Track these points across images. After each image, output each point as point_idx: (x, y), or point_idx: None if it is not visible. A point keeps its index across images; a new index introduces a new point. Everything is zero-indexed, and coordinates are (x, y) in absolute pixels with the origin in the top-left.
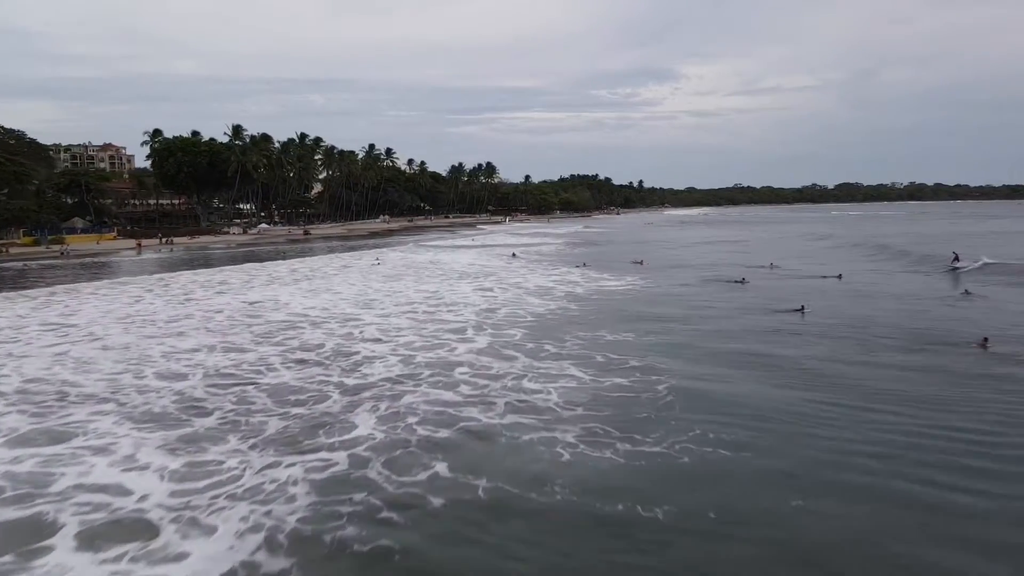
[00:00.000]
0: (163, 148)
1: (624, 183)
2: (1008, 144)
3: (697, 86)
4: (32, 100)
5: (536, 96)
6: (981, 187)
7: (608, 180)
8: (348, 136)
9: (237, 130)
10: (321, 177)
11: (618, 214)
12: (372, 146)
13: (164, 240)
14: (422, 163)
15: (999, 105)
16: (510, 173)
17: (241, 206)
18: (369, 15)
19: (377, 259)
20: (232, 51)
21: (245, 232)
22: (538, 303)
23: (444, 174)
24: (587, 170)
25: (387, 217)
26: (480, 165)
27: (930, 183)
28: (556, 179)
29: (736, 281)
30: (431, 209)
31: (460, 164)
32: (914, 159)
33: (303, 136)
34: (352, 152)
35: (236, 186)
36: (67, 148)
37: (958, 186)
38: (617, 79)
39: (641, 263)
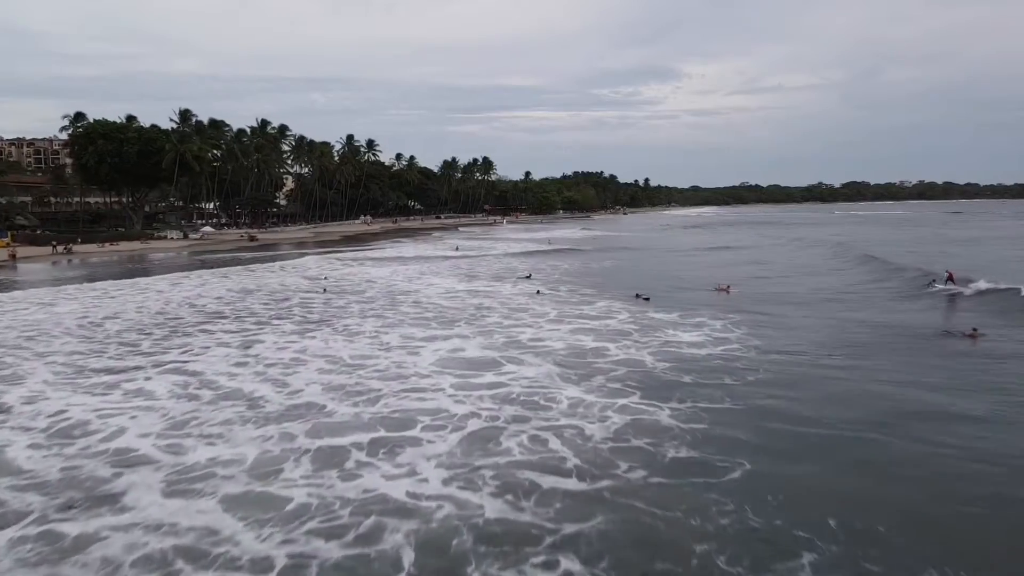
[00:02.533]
0: (83, 135)
1: (629, 181)
2: (1015, 143)
3: (699, 85)
4: (34, 100)
5: (537, 95)
6: (992, 185)
7: (613, 178)
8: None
9: (185, 115)
10: (293, 172)
11: (624, 214)
12: (351, 137)
13: (60, 248)
14: (411, 158)
15: (1003, 103)
16: (511, 172)
17: (204, 205)
18: (370, 14)
19: (326, 278)
20: (233, 50)
21: (185, 237)
22: (579, 397)
23: (436, 170)
24: (589, 169)
25: (368, 218)
26: (475, 160)
27: (938, 181)
28: (559, 176)
29: (962, 333)
30: (422, 208)
31: (453, 159)
32: (919, 158)
33: (264, 123)
34: (326, 144)
35: (175, 181)
36: (31, 142)
37: (968, 184)
38: (619, 78)
39: (726, 291)
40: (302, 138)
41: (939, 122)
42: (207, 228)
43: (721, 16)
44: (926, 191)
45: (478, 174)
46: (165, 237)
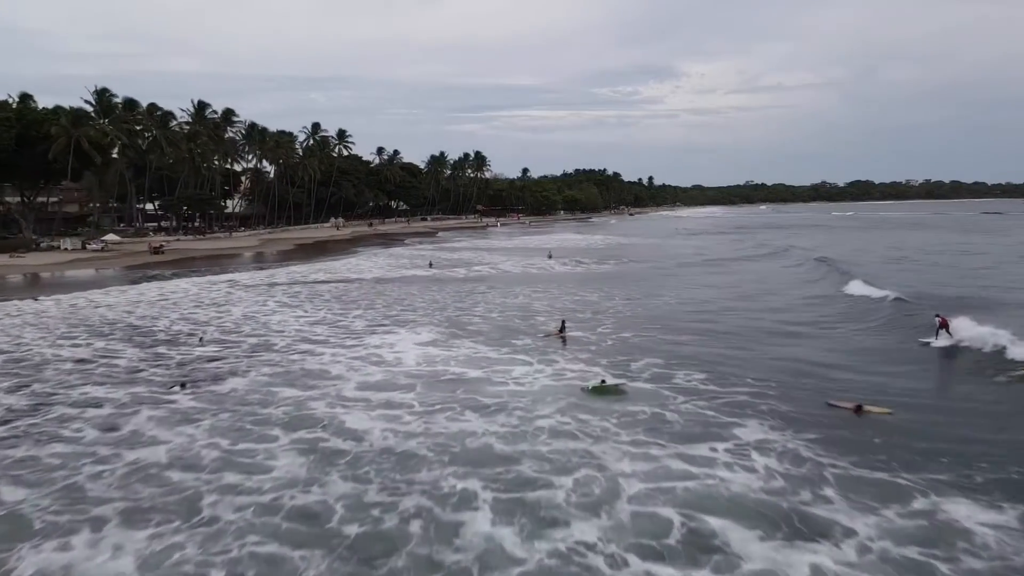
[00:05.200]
0: None
1: (633, 179)
2: (1019, 142)
3: (698, 84)
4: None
5: (537, 94)
6: (1000, 184)
7: (617, 175)
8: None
9: (102, 94)
10: (251, 166)
11: (631, 215)
12: (317, 126)
13: None
14: (394, 152)
15: (1005, 103)
16: (511, 172)
17: (144, 206)
18: (370, 13)
19: (201, 339)
20: (233, 49)
21: (84, 247)
22: None
23: (423, 166)
24: (588, 168)
25: (340, 220)
26: (467, 155)
27: (945, 180)
28: (559, 174)
29: None
30: (408, 209)
31: (442, 153)
32: (921, 156)
33: (202, 106)
34: (287, 133)
35: (69, 174)
36: None
37: (976, 183)
38: (618, 77)
39: None
40: (253, 125)
41: (941, 121)
42: (111, 236)
43: (720, 15)
44: (933, 190)
45: (470, 171)
46: (57, 248)
